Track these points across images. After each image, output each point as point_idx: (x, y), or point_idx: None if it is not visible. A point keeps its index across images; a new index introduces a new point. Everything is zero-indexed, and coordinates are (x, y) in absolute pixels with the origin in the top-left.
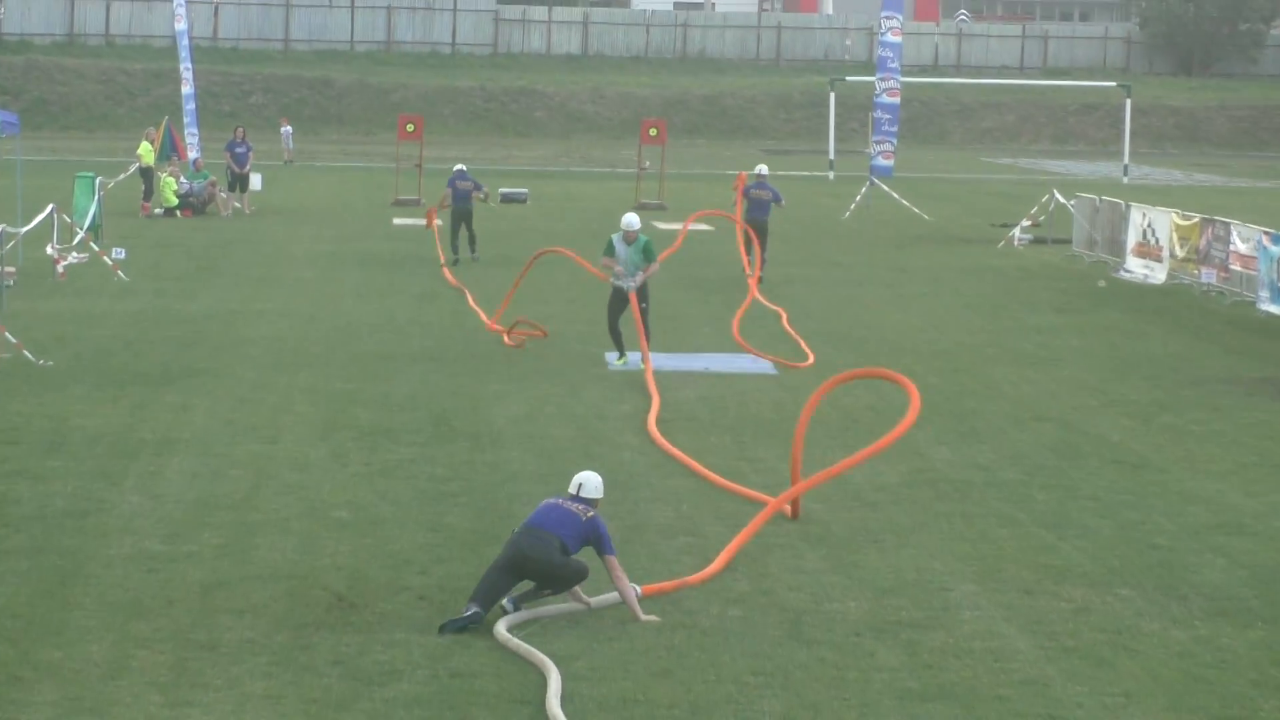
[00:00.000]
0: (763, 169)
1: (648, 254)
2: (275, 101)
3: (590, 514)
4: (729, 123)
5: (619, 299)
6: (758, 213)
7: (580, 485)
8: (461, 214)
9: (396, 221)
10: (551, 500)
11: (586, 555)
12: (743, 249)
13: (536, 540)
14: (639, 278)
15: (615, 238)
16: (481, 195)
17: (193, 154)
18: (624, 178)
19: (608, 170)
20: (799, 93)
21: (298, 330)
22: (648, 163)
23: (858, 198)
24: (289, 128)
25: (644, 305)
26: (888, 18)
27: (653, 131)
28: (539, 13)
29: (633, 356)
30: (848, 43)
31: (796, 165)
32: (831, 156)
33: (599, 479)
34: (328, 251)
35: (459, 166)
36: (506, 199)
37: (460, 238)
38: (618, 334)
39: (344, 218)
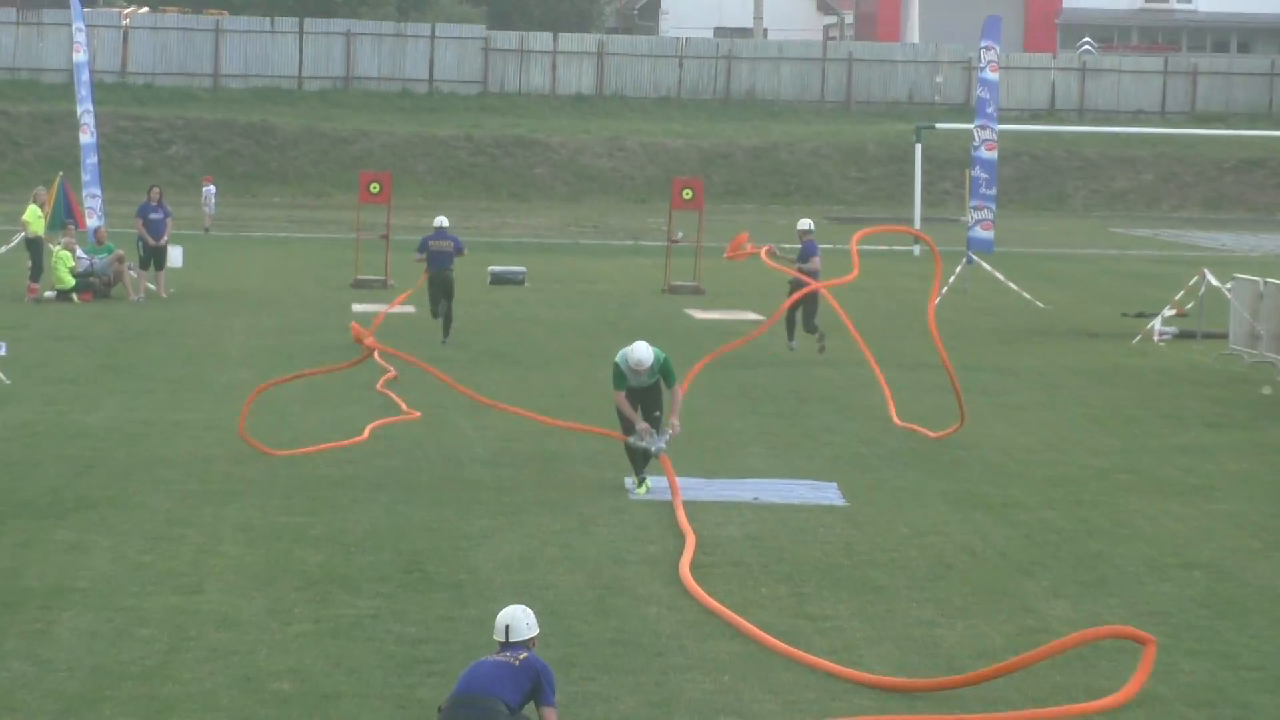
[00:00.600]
0: (806, 222)
1: (666, 376)
2: (201, 154)
3: (523, 656)
4: (784, 182)
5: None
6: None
7: (507, 629)
8: (440, 283)
9: (357, 308)
10: (477, 661)
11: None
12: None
13: (475, 713)
14: (667, 435)
15: (621, 362)
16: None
17: (93, 221)
18: (649, 253)
19: (629, 243)
20: (874, 144)
21: (228, 448)
22: (680, 234)
23: (951, 279)
24: (212, 187)
25: (657, 414)
26: (986, 48)
27: (686, 194)
28: (540, 40)
29: (657, 482)
30: (939, 80)
31: (871, 238)
32: (916, 226)
33: (527, 613)
34: (268, 346)
35: (438, 221)
36: (498, 280)
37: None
38: (638, 454)
39: (289, 303)
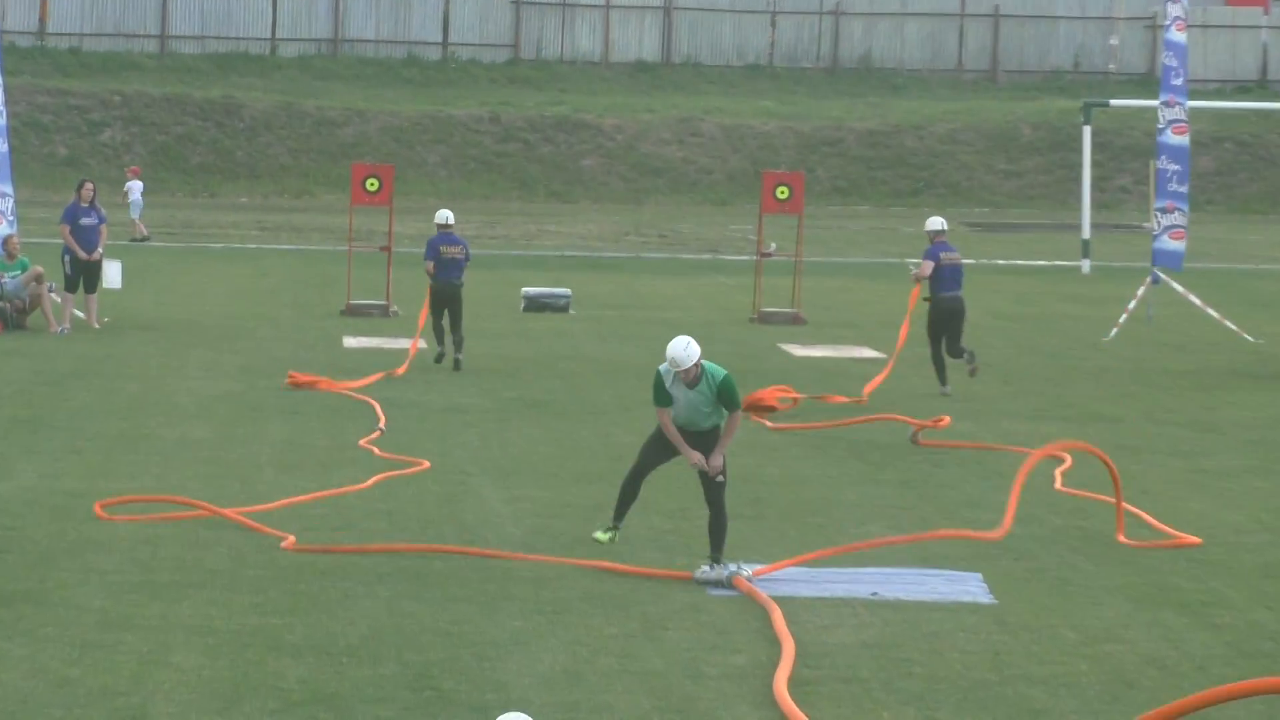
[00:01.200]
0: (938, 222)
1: (727, 401)
2: (144, 139)
3: None
4: (909, 176)
5: (661, 449)
6: (946, 286)
7: None
8: (447, 297)
9: (350, 342)
10: None
11: None
12: (934, 362)
13: None
14: (718, 454)
15: (664, 370)
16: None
17: (1, 228)
18: (734, 269)
19: (705, 257)
20: (1029, 127)
21: (180, 527)
22: (773, 245)
23: (1131, 304)
24: (138, 182)
25: (721, 479)
26: (1174, 1)
27: (782, 192)
28: None
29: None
30: (1113, 42)
31: (1027, 248)
32: (1085, 235)
33: None
34: (232, 394)
35: (442, 216)
36: (534, 305)
37: (444, 330)
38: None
39: (260, 336)
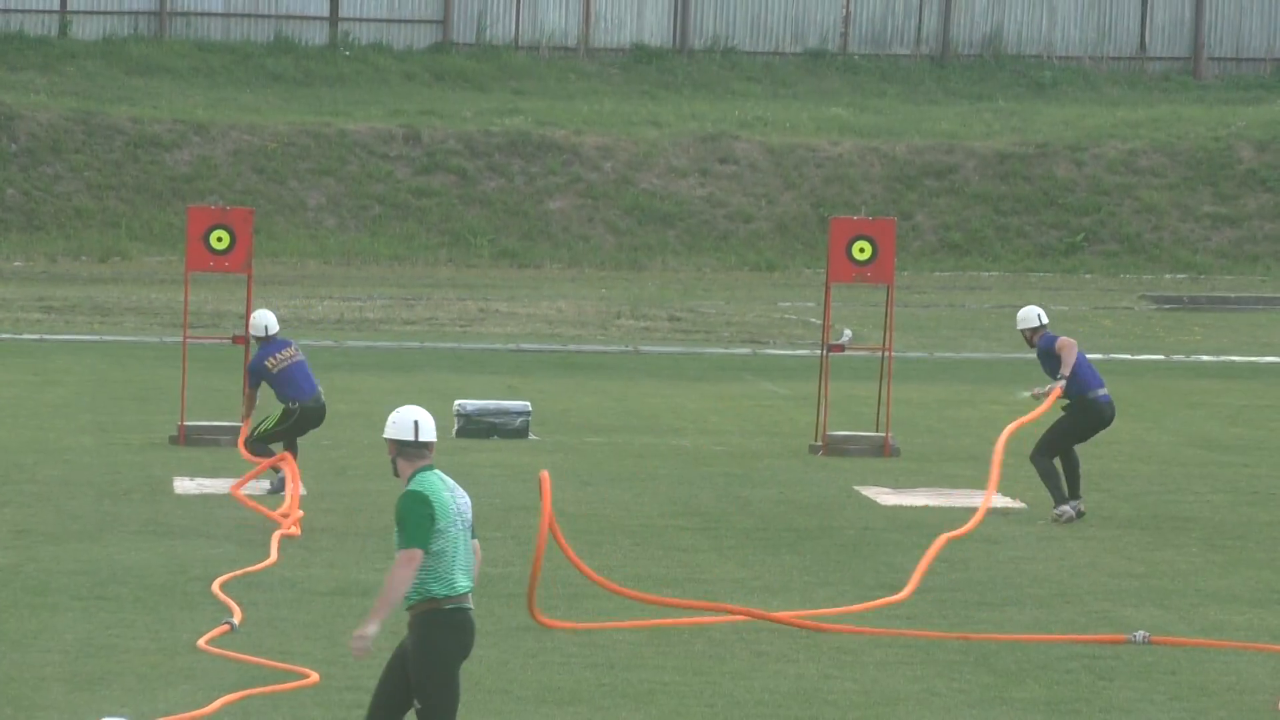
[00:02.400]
0: (1035, 315)
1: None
2: None
3: None
4: (1064, 224)
5: None
6: (1093, 384)
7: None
8: (311, 420)
9: (184, 487)
10: None
11: None
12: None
13: None
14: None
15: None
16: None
17: None
18: (785, 370)
19: (742, 351)
20: (1251, 144)
21: None
22: (847, 333)
23: None
24: None
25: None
26: None
27: (861, 250)
28: None
29: None
30: None
31: (1248, 336)
32: None
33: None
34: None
35: (263, 320)
36: (474, 426)
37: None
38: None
39: (42, 479)
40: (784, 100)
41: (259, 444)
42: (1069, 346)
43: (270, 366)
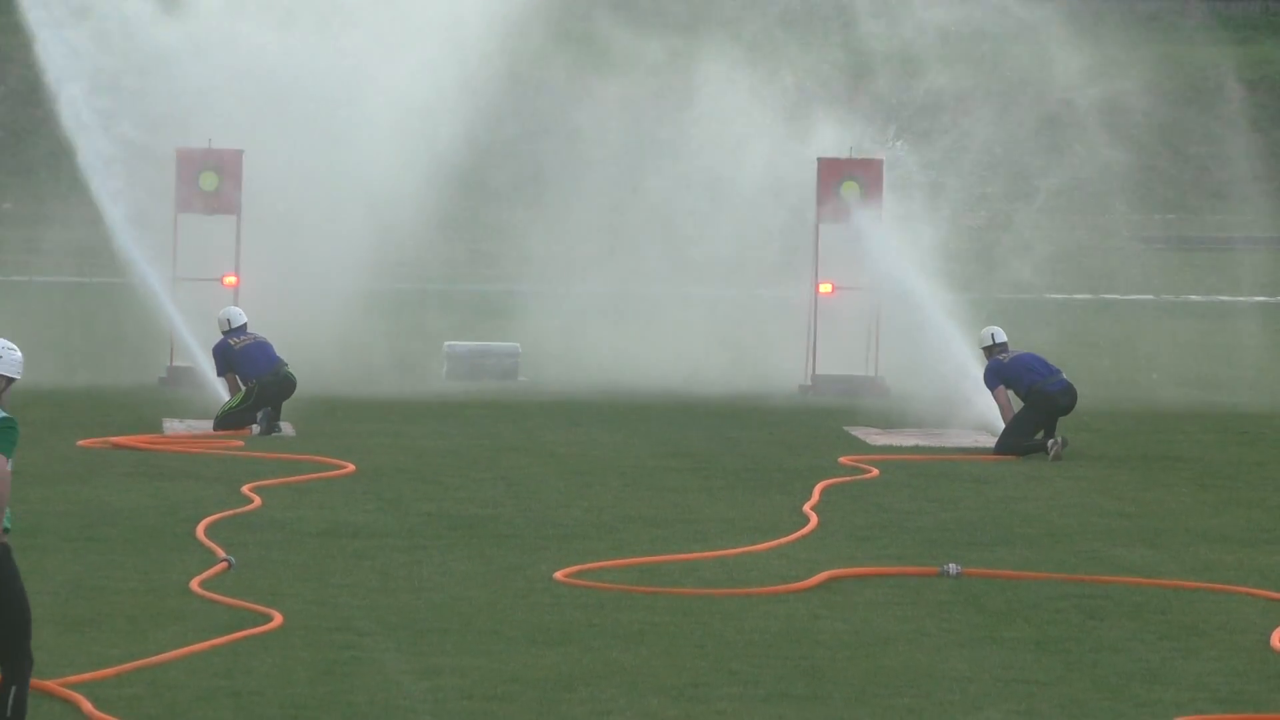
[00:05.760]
0: (989, 333)
1: None
2: None
3: None
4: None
5: None
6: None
7: None
8: (281, 387)
9: (171, 428)
10: None
11: None
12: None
13: None
14: None
15: None
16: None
17: None
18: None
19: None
20: (1247, 79)
21: None
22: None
23: None
24: None
25: None
26: None
27: (850, 187)
28: None
29: None
30: None
31: (1232, 273)
32: None
33: None
34: None
35: (231, 315)
36: (464, 367)
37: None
38: None
39: (26, 420)
40: None
41: (225, 422)
42: (1000, 399)
43: (234, 345)
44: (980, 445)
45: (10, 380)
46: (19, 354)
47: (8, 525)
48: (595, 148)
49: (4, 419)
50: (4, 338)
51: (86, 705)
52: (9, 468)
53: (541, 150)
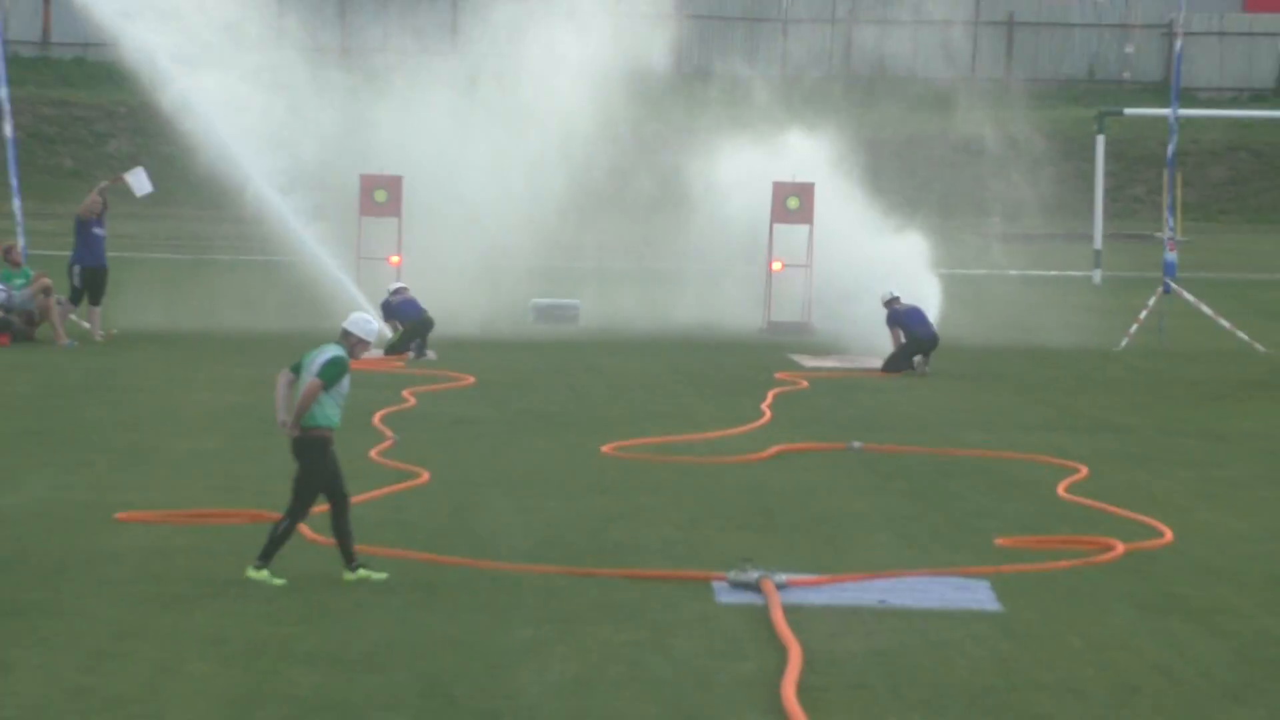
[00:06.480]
0: (893, 290)
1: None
2: (152, 150)
3: None
4: (922, 187)
5: None
6: (911, 327)
7: None
8: (424, 325)
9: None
10: None
11: None
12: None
13: None
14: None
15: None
16: None
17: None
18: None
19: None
20: (1044, 134)
21: (191, 538)
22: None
23: (1142, 315)
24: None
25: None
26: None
27: (792, 202)
28: None
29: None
30: (1129, 50)
31: (1044, 260)
32: (1097, 245)
33: None
34: (241, 406)
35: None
36: (541, 316)
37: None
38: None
39: (269, 347)
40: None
41: (390, 350)
42: (894, 336)
43: (393, 301)
44: (873, 367)
45: (365, 342)
46: (375, 324)
47: (336, 424)
48: (641, 180)
49: (335, 356)
50: (361, 313)
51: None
52: (319, 384)
53: (603, 180)
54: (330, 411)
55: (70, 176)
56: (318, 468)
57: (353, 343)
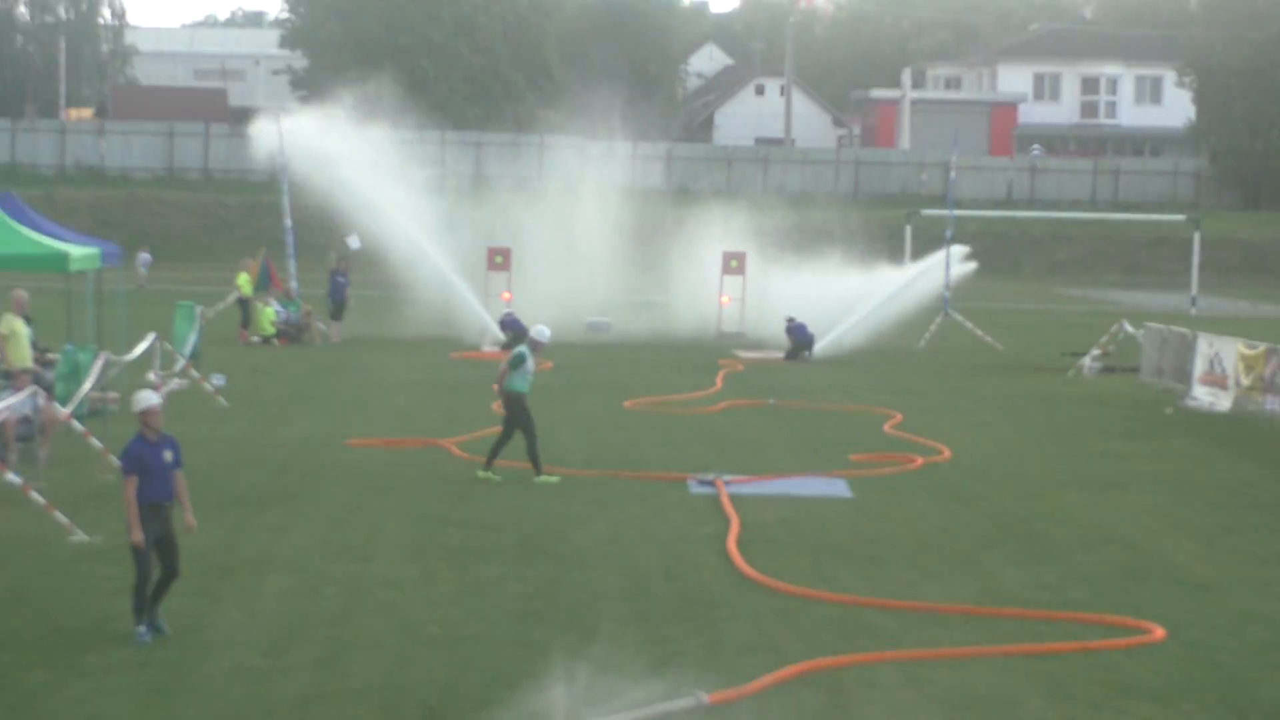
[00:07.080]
0: (795, 317)
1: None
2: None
3: None
4: (810, 255)
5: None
6: (801, 336)
7: None
8: (523, 334)
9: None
10: None
11: None
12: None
13: None
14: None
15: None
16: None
17: (289, 285)
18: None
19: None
20: (877, 225)
21: (388, 454)
22: (729, 296)
23: (932, 327)
24: (147, 255)
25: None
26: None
27: (734, 264)
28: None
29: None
30: (923, 177)
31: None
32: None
33: None
34: (419, 380)
35: (509, 310)
36: (589, 330)
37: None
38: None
39: (434, 347)
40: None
41: (505, 348)
42: (791, 339)
43: (506, 319)
44: (780, 357)
45: (541, 345)
46: (549, 331)
47: (523, 389)
48: (642, 250)
49: (519, 352)
50: (541, 326)
51: (456, 450)
52: (507, 368)
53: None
54: (518, 383)
55: (324, 249)
56: (513, 412)
57: (534, 344)
